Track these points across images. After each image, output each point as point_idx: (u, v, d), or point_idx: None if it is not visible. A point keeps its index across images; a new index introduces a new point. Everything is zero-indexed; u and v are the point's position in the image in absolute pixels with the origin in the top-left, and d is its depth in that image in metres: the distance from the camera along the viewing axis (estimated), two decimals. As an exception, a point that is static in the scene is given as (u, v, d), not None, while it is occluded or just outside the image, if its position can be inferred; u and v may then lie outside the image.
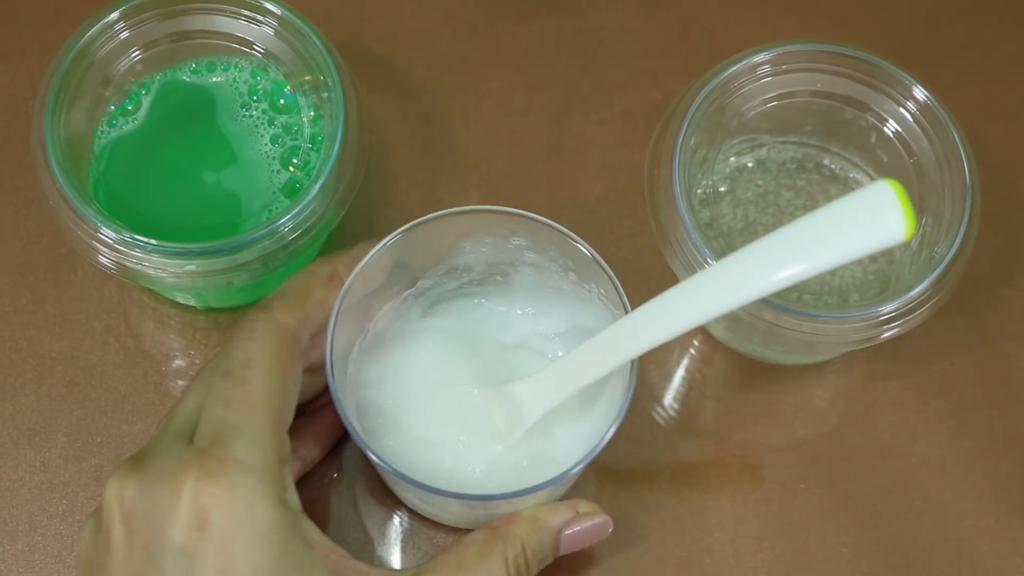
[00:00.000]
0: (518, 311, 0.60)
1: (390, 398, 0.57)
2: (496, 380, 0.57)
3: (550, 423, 0.57)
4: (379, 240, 0.55)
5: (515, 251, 0.58)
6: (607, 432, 0.52)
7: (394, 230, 0.55)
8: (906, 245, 0.61)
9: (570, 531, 0.55)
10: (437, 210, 0.66)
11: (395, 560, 0.60)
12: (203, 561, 0.47)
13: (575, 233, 0.55)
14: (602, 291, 0.56)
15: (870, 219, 0.46)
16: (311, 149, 0.61)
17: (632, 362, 0.53)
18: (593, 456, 0.52)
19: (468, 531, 0.60)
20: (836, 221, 0.47)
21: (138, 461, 0.50)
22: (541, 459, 0.56)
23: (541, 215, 0.56)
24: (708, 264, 0.56)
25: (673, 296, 0.50)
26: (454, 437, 0.57)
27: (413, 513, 0.60)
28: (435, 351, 0.59)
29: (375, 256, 0.55)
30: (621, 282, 0.54)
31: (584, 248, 0.55)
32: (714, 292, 0.49)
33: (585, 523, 0.55)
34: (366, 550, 0.60)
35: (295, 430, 0.53)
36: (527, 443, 0.56)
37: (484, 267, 0.59)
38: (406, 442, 0.57)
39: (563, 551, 0.55)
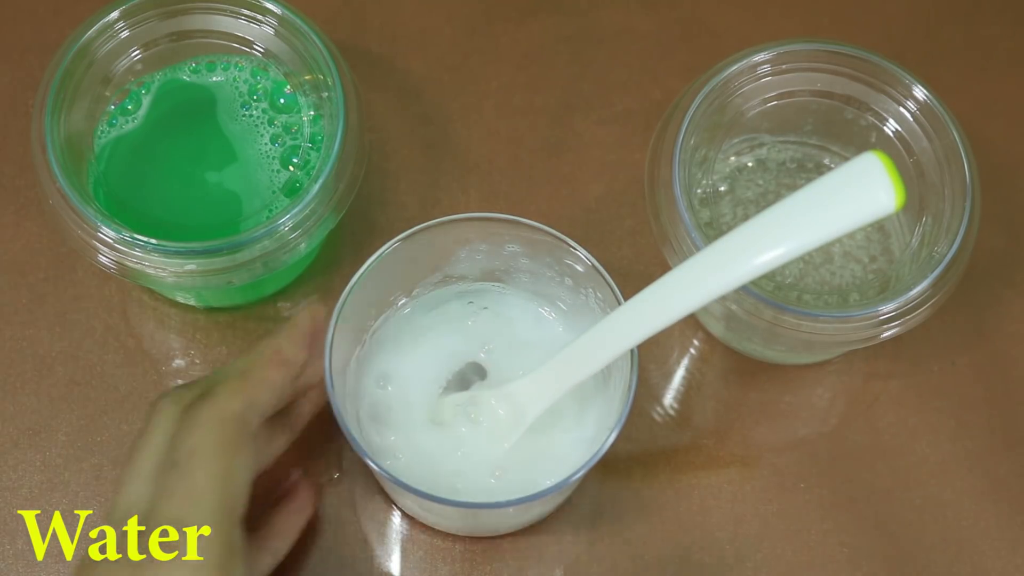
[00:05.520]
0: (515, 315, 0.60)
1: (390, 404, 0.57)
2: (494, 381, 0.57)
3: (550, 427, 0.56)
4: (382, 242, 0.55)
5: (510, 258, 0.58)
6: (609, 436, 0.52)
7: (394, 230, 0.55)
8: (906, 244, 0.61)
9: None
10: (437, 210, 0.66)
11: (394, 563, 0.60)
12: None
13: (575, 232, 0.55)
14: (599, 295, 0.56)
15: (859, 193, 0.45)
16: (311, 148, 0.61)
17: (632, 366, 0.53)
18: (595, 461, 0.52)
19: (468, 538, 0.60)
20: (825, 197, 0.46)
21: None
22: (543, 464, 0.56)
23: (541, 215, 0.56)
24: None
25: (667, 282, 0.50)
26: (455, 442, 0.57)
27: (412, 517, 0.60)
28: (433, 354, 0.59)
29: (369, 269, 0.54)
30: (621, 282, 0.54)
31: (581, 253, 0.55)
32: (708, 274, 0.49)
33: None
34: (364, 553, 0.60)
35: (265, 522, 0.53)
36: (528, 448, 0.56)
37: (479, 274, 0.59)
38: (407, 448, 0.57)
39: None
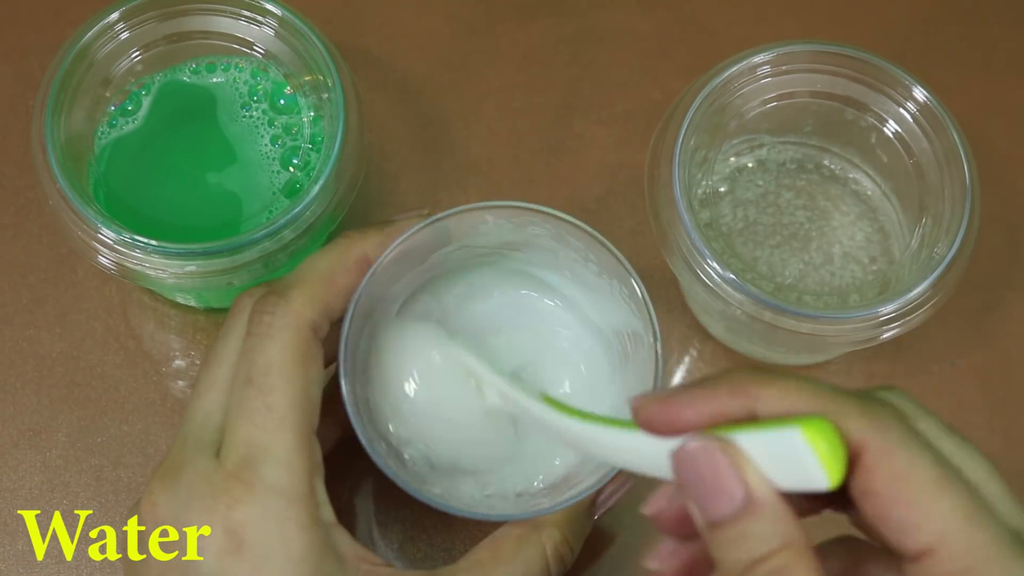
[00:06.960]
0: (532, 292, 0.58)
1: (387, 391, 0.55)
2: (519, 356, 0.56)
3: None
4: (410, 219, 0.53)
5: (533, 236, 0.55)
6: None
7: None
8: (906, 245, 0.61)
9: (602, 497, 0.54)
10: (437, 210, 0.65)
11: (394, 556, 0.60)
12: None
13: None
14: (624, 289, 0.54)
15: (793, 465, 0.38)
16: (311, 149, 0.61)
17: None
18: (609, 479, 0.51)
19: (468, 538, 0.60)
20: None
21: (167, 475, 0.49)
22: (557, 448, 0.55)
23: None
24: (708, 265, 0.56)
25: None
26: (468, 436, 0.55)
27: (416, 516, 0.60)
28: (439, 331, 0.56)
29: (404, 240, 0.52)
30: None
31: (625, 264, 0.53)
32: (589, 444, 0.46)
33: (612, 485, 0.54)
34: (374, 535, 0.60)
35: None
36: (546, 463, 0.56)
37: (498, 244, 0.57)
38: (416, 433, 0.55)
39: (597, 516, 0.55)
